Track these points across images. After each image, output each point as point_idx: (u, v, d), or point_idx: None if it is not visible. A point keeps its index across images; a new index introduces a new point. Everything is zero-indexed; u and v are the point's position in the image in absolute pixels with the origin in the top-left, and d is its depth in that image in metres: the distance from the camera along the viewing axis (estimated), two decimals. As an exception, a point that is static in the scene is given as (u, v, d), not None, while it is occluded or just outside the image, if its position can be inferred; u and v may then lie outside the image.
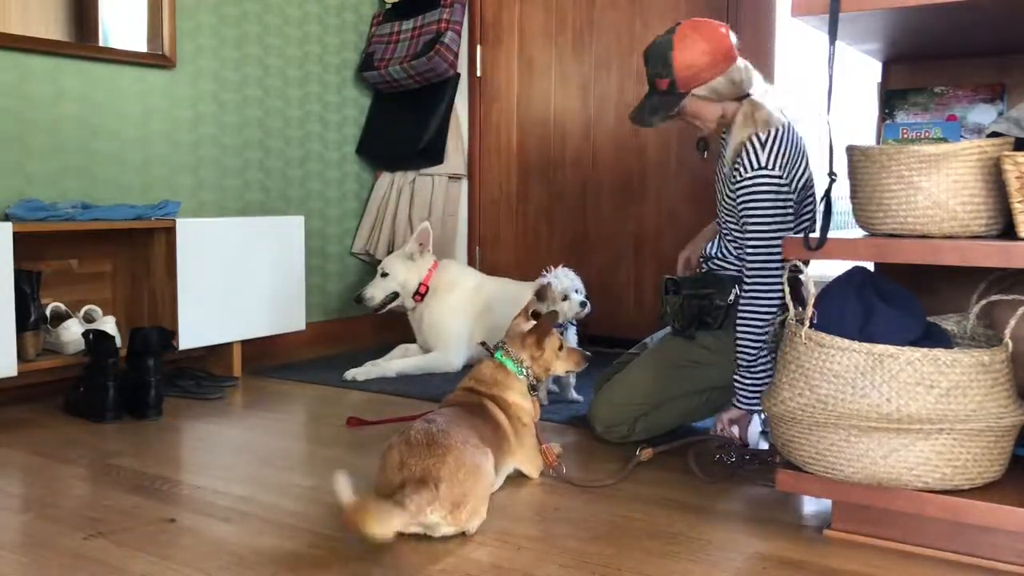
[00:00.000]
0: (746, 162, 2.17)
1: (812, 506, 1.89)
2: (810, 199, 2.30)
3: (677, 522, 1.79)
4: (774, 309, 2.15)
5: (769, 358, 2.16)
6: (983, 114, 2.06)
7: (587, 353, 2.21)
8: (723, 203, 2.32)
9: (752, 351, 2.17)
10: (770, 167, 2.14)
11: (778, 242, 2.12)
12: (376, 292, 3.38)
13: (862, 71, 2.35)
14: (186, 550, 1.64)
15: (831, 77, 1.65)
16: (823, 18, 1.65)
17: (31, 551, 1.64)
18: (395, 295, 3.39)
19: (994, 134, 1.65)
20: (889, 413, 1.53)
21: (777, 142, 2.17)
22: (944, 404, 1.52)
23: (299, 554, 1.63)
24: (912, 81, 2.16)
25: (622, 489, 1.99)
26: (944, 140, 1.74)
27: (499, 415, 1.99)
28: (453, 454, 1.68)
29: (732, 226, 2.31)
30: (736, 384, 2.23)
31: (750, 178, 2.16)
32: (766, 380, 2.17)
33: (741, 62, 2.22)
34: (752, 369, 2.19)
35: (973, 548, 1.61)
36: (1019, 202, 1.52)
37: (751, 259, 2.19)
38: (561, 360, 2.16)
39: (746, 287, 2.20)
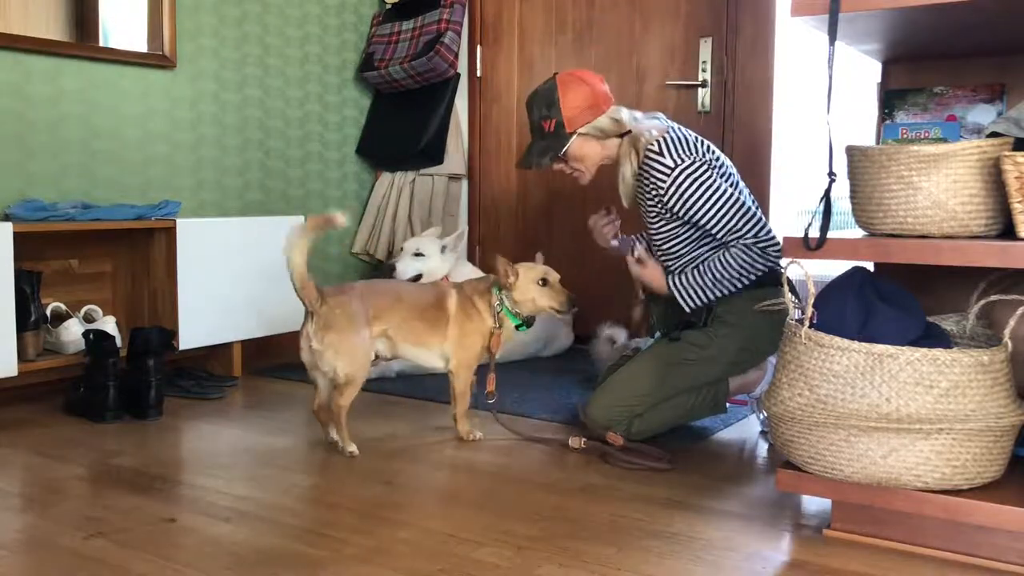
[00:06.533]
0: (657, 174, 2.29)
1: (812, 506, 1.89)
2: (739, 180, 2.41)
3: (677, 522, 1.79)
4: (760, 266, 2.26)
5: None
6: (983, 114, 2.06)
7: (573, 296, 2.35)
8: (653, 224, 2.40)
9: (724, 290, 2.29)
10: (679, 161, 2.26)
11: (740, 211, 2.25)
12: (408, 268, 3.36)
13: (862, 71, 2.36)
14: (186, 550, 1.64)
15: (831, 77, 1.65)
16: (823, 18, 1.65)
17: (31, 551, 1.64)
18: (419, 277, 3.37)
19: (994, 134, 1.65)
20: (889, 413, 1.53)
21: (670, 141, 2.29)
22: (944, 404, 1.52)
23: (299, 554, 1.63)
24: (912, 81, 2.16)
25: (622, 489, 1.99)
26: (944, 140, 1.75)
27: (451, 306, 2.34)
28: (345, 294, 2.26)
29: (678, 232, 2.37)
30: (693, 287, 2.32)
31: (674, 181, 2.26)
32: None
33: (616, 106, 2.37)
34: (709, 289, 2.31)
35: (973, 548, 1.61)
36: (1019, 202, 1.52)
37: (726, 238, 2.28)
38: (543, 295, 2.33)
39: (752, 248, 2.27)
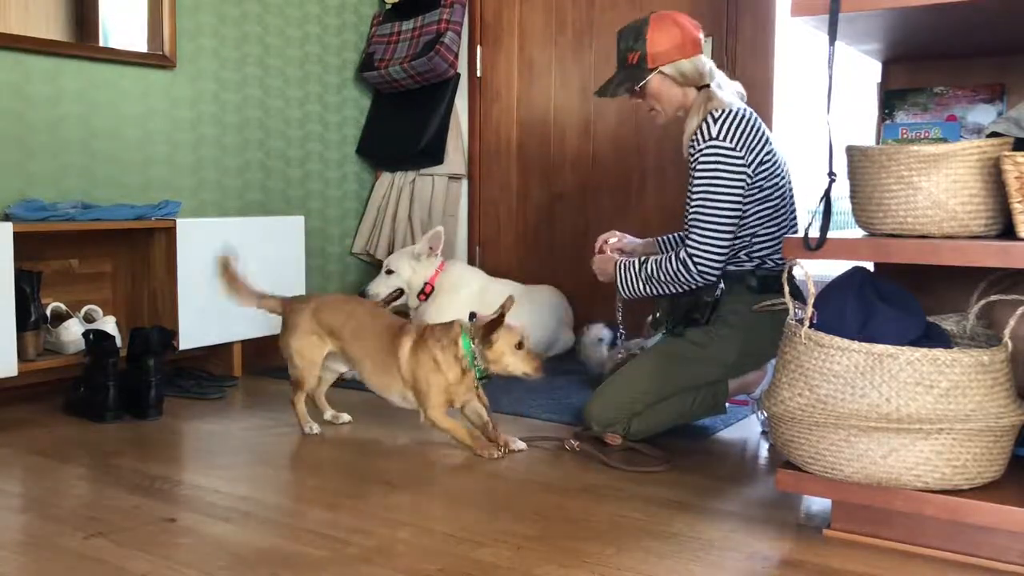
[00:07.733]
0: (699, 137, 2.26)
1: (812, 506, 1.89)
2: (784, 184, 2.37)
3: (677, 522, 1.79)
4: (706, 277, 2.25)
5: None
6: (983, 114, 2.06)
7: (543, 363, 2.29)
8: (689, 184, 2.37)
9: (653, 290, 2.33)
10: (721, 138, 2.23)
11: (720, 215, 2.22)
12: (380, 289, 3.40)
13: (862, 71, 2.35)
14: (186, 550, 1.64)
15: (831, 77, 1.65)
16: (823, 18, 1.65)
17: (31, 551, 1.64)
18: (400, 292, 3.41)
19: (994, 134, 1.65)
20: (889, 413, 1.53)
21: (730, 118, 2.25)
22: (944, 404, 1.52)
23: (299, 554, 1.63)
24: (912, 81, 2.16)
25: (622, 489, 1.99)
26: (944, 140, 1.75)
27: (405, 349, 2.27)
28: (300, 303, 2.47)
29: None
30: (630, 277, 2.35)
31: (700, 149, 2.24)
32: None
33: (706, 57, 2.34)
34: (642, 283, 2.34)
35: (973, 548, 1.61)
36: (1019, 202, 1.52)
37: (690, 229, 2.25)
38: (518, 359, 2.24)
39: (683, 253, 2.25)
